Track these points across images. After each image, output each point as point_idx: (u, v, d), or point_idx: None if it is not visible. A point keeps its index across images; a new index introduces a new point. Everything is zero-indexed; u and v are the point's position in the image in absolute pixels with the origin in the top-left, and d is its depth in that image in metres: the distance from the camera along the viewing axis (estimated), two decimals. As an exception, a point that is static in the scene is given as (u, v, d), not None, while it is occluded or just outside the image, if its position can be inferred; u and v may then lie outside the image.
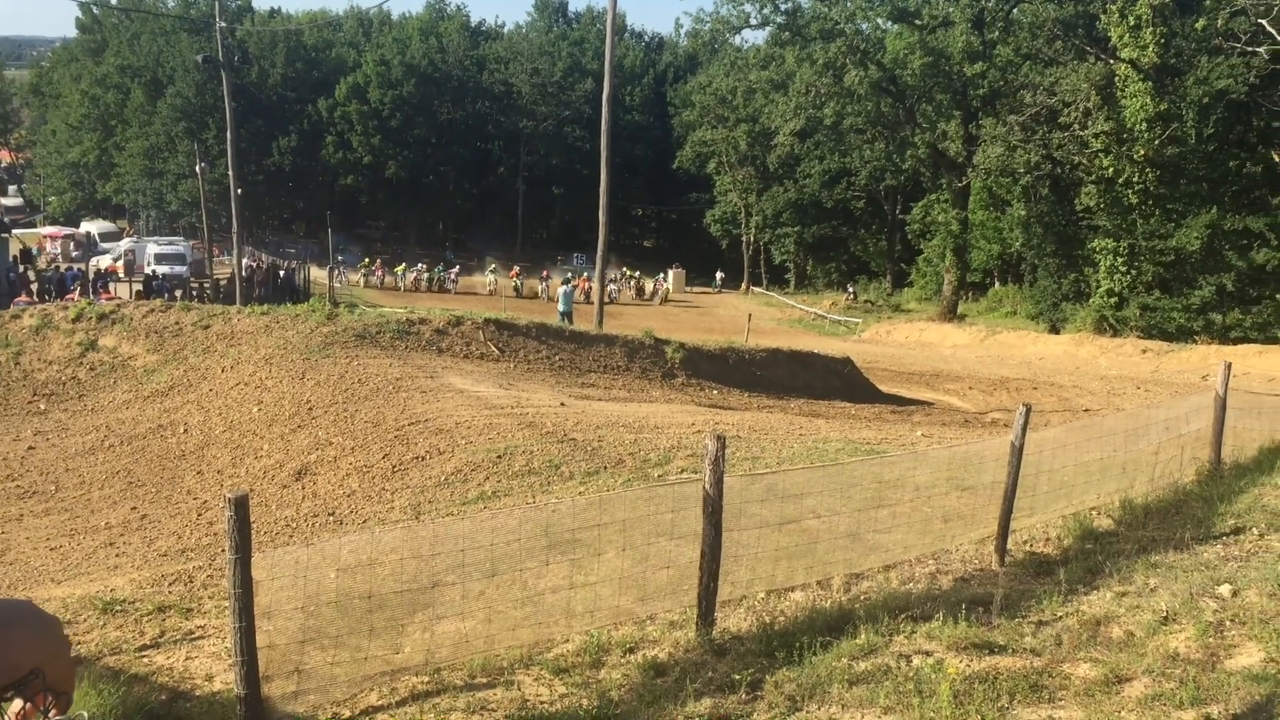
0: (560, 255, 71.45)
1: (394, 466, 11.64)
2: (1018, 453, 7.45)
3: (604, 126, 25.09)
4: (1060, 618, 6.26)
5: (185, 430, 14.75)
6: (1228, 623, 5.88)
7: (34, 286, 34.86)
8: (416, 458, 11.77)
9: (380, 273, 59.55)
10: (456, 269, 60.14)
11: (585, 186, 65.62)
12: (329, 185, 76.65)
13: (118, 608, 7.60)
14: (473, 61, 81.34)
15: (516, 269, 61.05)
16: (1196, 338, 38.59)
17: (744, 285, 69.73)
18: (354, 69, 76.76)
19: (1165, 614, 6.11)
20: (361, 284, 57.37)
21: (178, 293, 36.27)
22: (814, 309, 57.73)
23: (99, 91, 76.31)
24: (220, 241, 53.82)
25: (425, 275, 58.57)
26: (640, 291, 61.55)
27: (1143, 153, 39.48)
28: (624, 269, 62.99)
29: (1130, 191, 40.27)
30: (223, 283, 39.71)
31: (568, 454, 11.24)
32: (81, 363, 17.48)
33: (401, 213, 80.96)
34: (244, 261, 38.30)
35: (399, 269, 59.84)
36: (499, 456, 11.27)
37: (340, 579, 5.64)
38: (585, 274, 55.50)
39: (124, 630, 7.17)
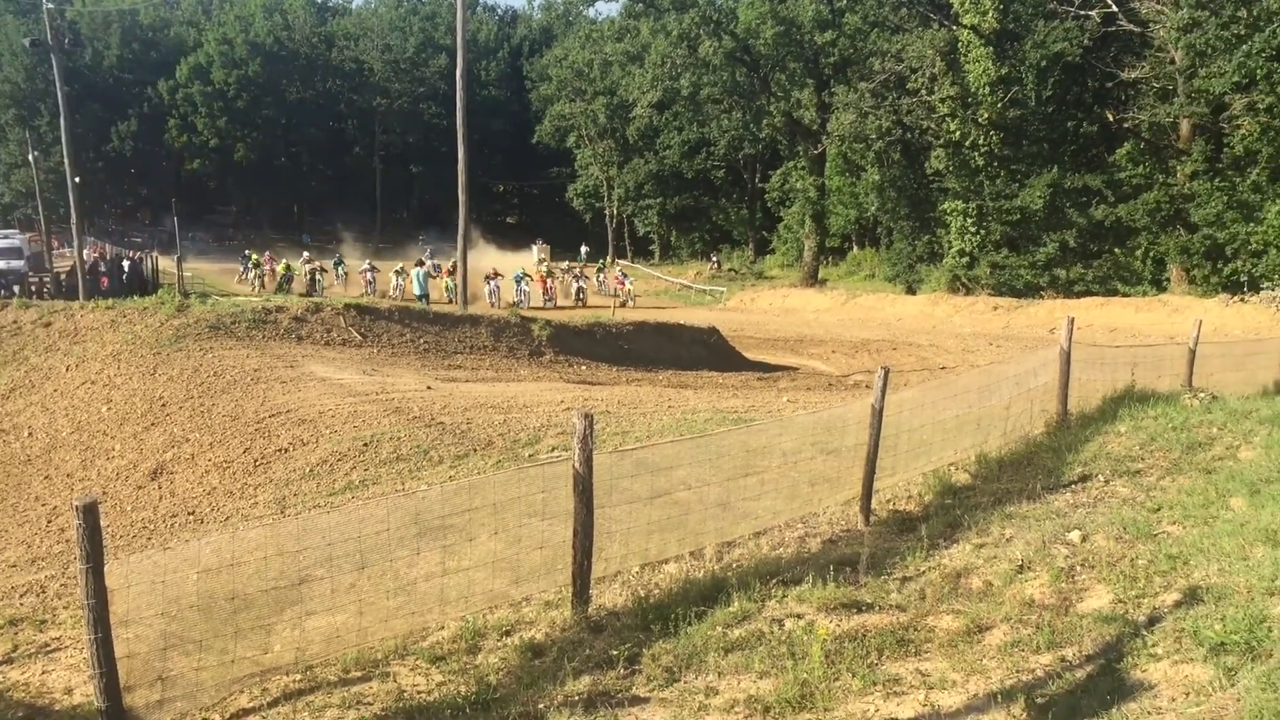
0: (422, 235, 70.23)
1: (256, 460, 11.32)
2: (878, 415, 7.65)
3: (459, 103, 24.73)
4: (923, 572, 6.47)
5: (30, 434, 14.08)
6: (1078, 568, 6.16)
7: None
8: (279, 450, 11.46)
9: (269, 265, 47.02)
10: (367, 265, 44.65)
11: (444, 164, 64.28)
12: (174, 170, 73.77)
13: (-35, 625, 7.22)
14: (321, 39, 79.08)
15: (453, 262, 37.01)
16: (1043, 293, 40.20)
17: (609, 258, 69.84)
18: (195, 49, 73.75)
19: (1021, 563, 6.37)
20: (255, 289, 43.68)
21: (15, 289, 34.47)
22: (679, 279, 58.14)
23: (-82, 78, 71.69)
24: (60, 233, 51.25)
25: (317, 272, 43.61)
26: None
27: (987, 116, 40.81)
28: (552, 258, 52.66)
29: (977, 154, 41.60)
30: (63, 276, 37.85)
31: (436, 438, 11.10)
32: (-88, 367, 16.52)
33: (253, 197, 78.43)
34: (85, 253, 36.58)
35: (289, 265, 45.93)
36: (365, 444, 11.07)
37: (202, 581, 5.46)
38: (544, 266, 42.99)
39: (-27, 647, 6.83)
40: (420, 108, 77.73)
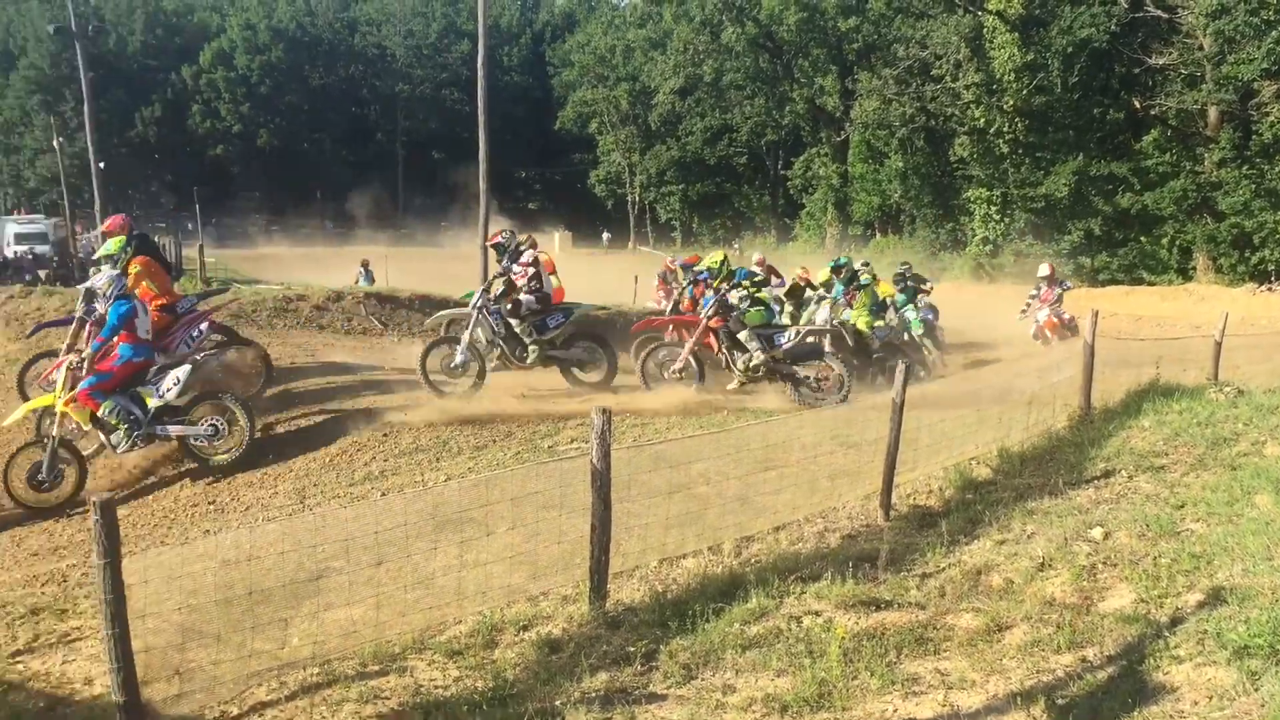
0: (445, 222, 70.29)
1: (276, 451, 11.37)
2: (899, 408, 7.59)
3: (480, 89, 24.68)
4: (943, 569, 6.42)
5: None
6: (1100, 565, 6.09)
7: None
8: (299, 440, 11.51)
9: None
10: None
11: (466, 150, 64.68)
12: (197, 156, 74.05)
13: (-12, 612, 7.27)
14: (343, 24, 79.27)
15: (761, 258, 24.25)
16: (1068, 282, 39.95)
17: (630, 244, 69.73)
18: (218, 34, 74.10)
19: (1042, 560, 6.30)
20: None
21: (41, 274, 34.66)
22: (701, 267, 57.96)
23: (-55, 65, 72.32)
24: (84, 218, 51.60)
25: None
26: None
27: (1012, 103, 40.56)
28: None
29: (1001, 141, 41.37)
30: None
31: (455, 429, 11.11)
32: (-64, 354, 16.59)
33: (276, 183, 78.72)
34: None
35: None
36: (385, 435, 11.09)
37: (220, 575, 5.47)
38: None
39: (-6, 636, 6.87)
40: (442, 94, 77.84)
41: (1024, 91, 40.29)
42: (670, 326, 14.47)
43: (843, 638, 5.29)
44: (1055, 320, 18.90)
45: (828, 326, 14.42)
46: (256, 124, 72.82)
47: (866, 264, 17.25)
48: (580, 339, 13.58)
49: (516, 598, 6.34)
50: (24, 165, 69.91)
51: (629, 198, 72.54)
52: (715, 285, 13.88)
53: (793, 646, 5.40)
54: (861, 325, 14.98)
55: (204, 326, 12.04)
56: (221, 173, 75.90)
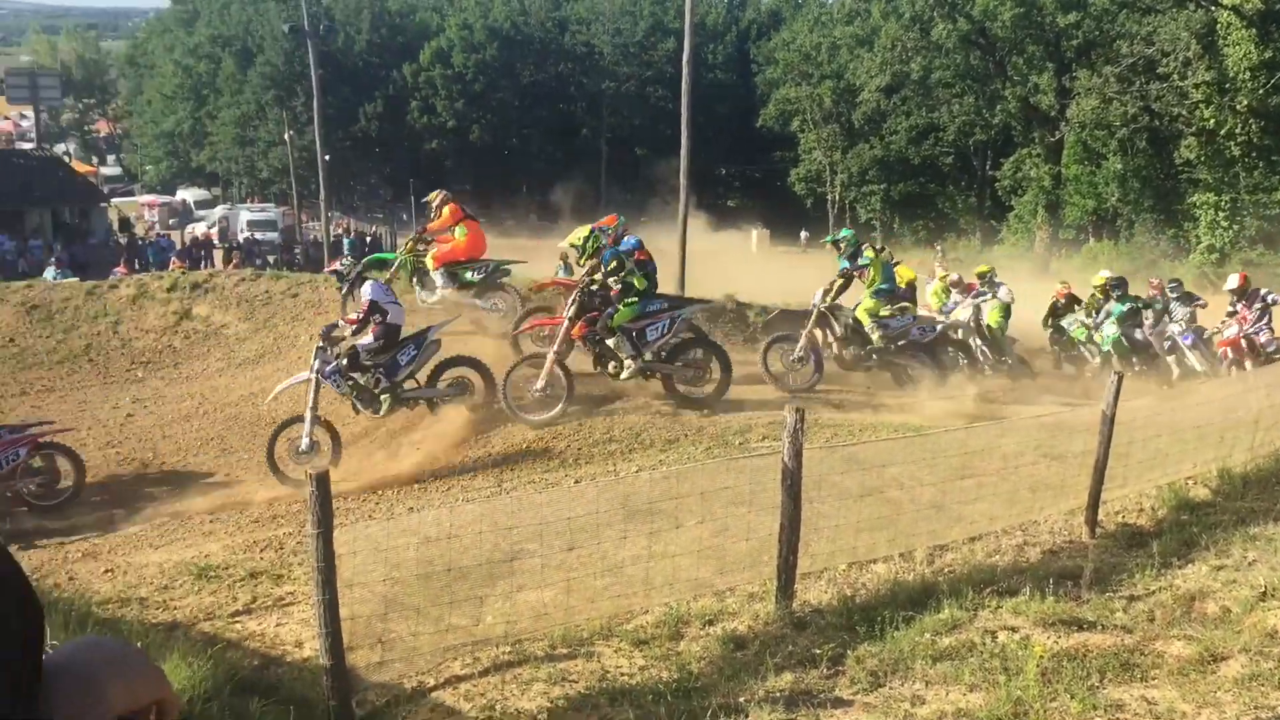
0: (644, 217, 71.12)
1: (476, 434, 11.77)
2: (1109, 421, 7.24)
3: (684, 87, 24.86)
4: (1153, 592, 6.09)
5: (275, 399, 15.02)
6: (1331, 600, 5.66)
7: (124, 257, 35.41)
8: (499, 424, 11.87)
9: None
10: None
11: (668, 147, 64.93)
12: (414, 150, 77.21)
13: (212, 573, 7.79)
14: (554, 23, 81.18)
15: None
16: (1274, 294, 37.27)
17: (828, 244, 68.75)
18: (437, 34, 77.09)
19: (1264, 589, 5.89)
20: None
21: (270, 259, 36.95)
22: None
23: (191, 61, 77.78)
24: (310, 208, 54.75)
25: None
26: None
27: (1246, 103, 38.01)
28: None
29: (1233, 143, 38.86)
30: (311, 251, 40.32)
31: (648, 421, 11.26)
32: (177, 331, 17.89)
33: (486, 176, 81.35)
34: (332, 228, 38.91)
35: None
36: (580, 424, 11.33)
37: (421, 551, 5.71)
38: None
39: (218, 596, 7.36)
40: (647, 91, 78.64)
41: (1260, 91, 37.66)
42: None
43: (1041, 656, 5.08)
44: (1242, 340, 16.37)
45: (813, 310, 13.21)
46: (470, 120, 75.34)
47: (883, 249, 15.69)
48: (449, 367, 12.01)
49: (703, 591, 6.37)
50: (258, 156, 74.49)
51: (829, 197, 71.50)
52: (581, 263, 11.82)
53: (987, 662, 5.23)
54: (860, 313, 13.41)
55: (23, 450, 11.68)
56: (436, 166, 78.81)
